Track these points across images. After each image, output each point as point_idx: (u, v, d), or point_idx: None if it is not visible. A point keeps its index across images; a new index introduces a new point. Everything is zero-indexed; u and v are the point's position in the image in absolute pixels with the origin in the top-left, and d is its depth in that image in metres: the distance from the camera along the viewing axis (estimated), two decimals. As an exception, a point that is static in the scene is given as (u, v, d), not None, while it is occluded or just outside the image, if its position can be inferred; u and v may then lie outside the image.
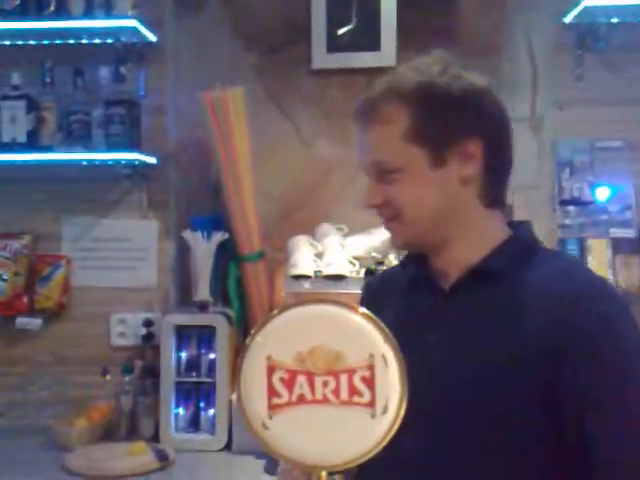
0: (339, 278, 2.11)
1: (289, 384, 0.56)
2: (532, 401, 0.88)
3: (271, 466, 1.96)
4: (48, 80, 2.26)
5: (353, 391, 0.55)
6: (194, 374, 2.18)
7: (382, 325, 0.57)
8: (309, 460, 0.56)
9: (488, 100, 1.00)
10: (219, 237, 2.26)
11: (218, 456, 2.08)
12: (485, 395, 0.86)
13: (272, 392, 0.56)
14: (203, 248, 2.25)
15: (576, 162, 2.19)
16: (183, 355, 2.19)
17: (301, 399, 0.56)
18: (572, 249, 2.15)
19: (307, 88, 2.42)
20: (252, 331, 0.59)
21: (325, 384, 0.56)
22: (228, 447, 2.11)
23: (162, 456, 2.00)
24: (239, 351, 0.59)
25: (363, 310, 0.57)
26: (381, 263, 2.12)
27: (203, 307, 2.23)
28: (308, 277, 2.13)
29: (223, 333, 2.14)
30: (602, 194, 2.18)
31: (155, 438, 2.15)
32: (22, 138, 2.22)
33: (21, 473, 1.94)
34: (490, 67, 2.32)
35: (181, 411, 2.18)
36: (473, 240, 1.01)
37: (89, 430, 2.13)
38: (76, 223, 2.38)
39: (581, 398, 0.87)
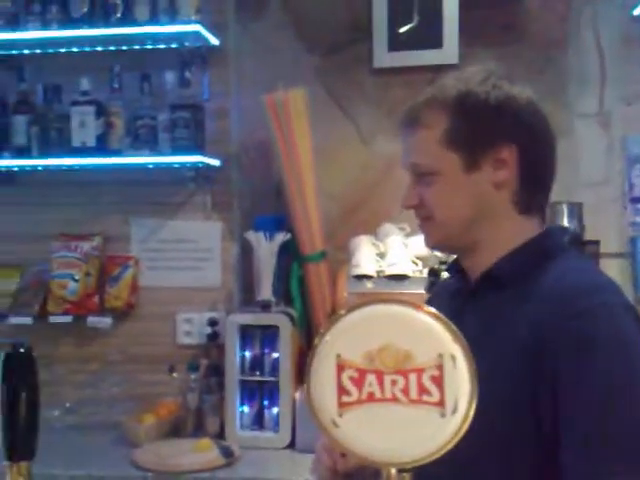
0: (402, 278, 2.11)
1: (358, 382, 0.57)
2: (522, 405, 0.90)
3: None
4: (116, 85, 2.33)
5: (422, 390, 0.56)
6: (258, 373, 2.21)
7: (451, 325, 0.57)
8: (379, 457, 0.57)
9: (526, 110, 1.03)
10: (281, 237, 2.28)
11: (282, 454, 2.11)
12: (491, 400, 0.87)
13: (342, 390, 0.57)
14: (265, 248, 2.28)
15: (647, 159, 2.13)
16: (247, 354, 2.23)
17: (370, 397, 0.57)
18: (643, 248, 2.09)
19: (368, 87, 2.42)
20: (321, 331, 0.60)
21: (394, 383, 0.56)
22: (292, 445, 2.13)
23: (227, 453, 2.04)
24: (308, 351, 0.60)
25: (431, 309, 0.57)
26: (444, 263, 2.11)
27: (266, 307, 2.26)
28: (370, 277, 2.14)
29: (286, 333, 2.17)
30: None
31: (220, 435, 2.19)
32: (91, 142, 2.30)
33: (93, 468, 2.01)
34: (557, 62, 2.29)
35: (245, 409, 2.22)
36: (499, 245, 1.03)
37: (157, 426, 2.19)
38: (143, 225, 2.45)
39: (558, 389, 0.89)
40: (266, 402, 2.21)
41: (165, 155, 2.27)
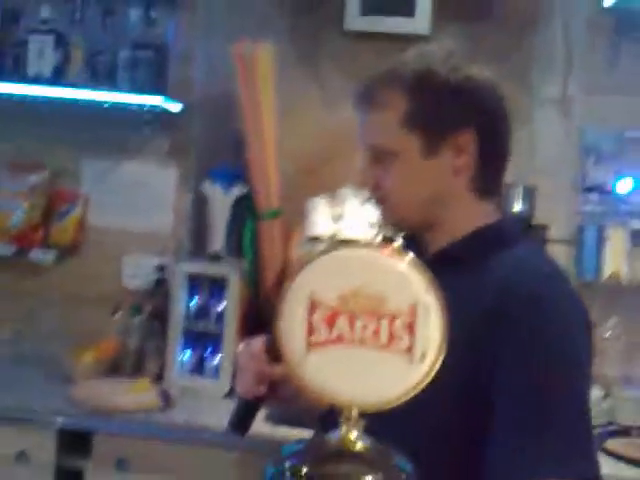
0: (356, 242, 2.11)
1: (329, 323, 0.56)
2: (464, 377, 0.90)
3: (273, 416, 1.98)
4: (77, 17, 2.23)
5: (393, 336, 0.55)
6: (202, 322, 2.20)
7: (427, 274, 0.57)
8: (343, 398, 0.56)
9: (485, 93, 1.01)
10: (237, 190, 2.25)
11: (220, 402, 2.10)
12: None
13: (311, 330, 0.56)
14: (220, 200, 2.25)
15: (603, 150, 2.16)
16: (193, 302, 2.21)
17: (340, 339, 0.56)
18: (590, 236, 2.14)
19: (337, 50, 2.39)
20: (296, 268, 0.59)
21: (365, 326, 0.56)
22: (231, 394, 2.13)
23: (165, 396, 2.03)
24: (279, 290, 0.59)
25: (410, 257, 0.57)
26: (400, 230, 2.12)
27: (215, 258, 2.24)
28: (324, 239, 2.13)
29: (234, 285, 2.16)
30: (624, 186, 2.17)
31: (160, 379, 2.17)
32: (48, 73, 2.21)
33: (27, 398, 1.97)
34: (524, 45, 2.29)
35: (187, 356, 2.20)
36: (456, 226, 1.03)
37: (95, 364, 2.16)
38: (96, 163, 2.38)
39: (498, 373, 0.90)
40: (208, 351, 2.20)
41: (123, 93, 2.19)
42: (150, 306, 2.26)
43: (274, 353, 1.00)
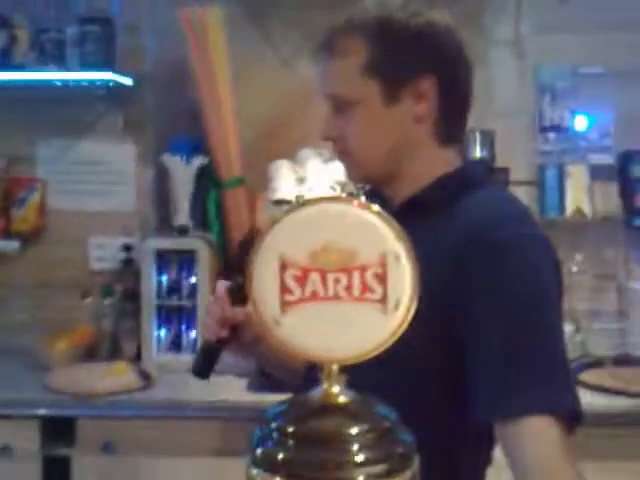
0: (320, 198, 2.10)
1: (301, 281, 0.56)
2: (437, 318, 0.90)
3: (253, 385, 2.00)
4: (18, -5, 2.16)
5: (365, 288, 0.55)
6: (175, 297, 2.19)
7: (395, 224, 0.56)
8: (321, 355, 0.56)
9: (446, 39, 1.01)
10: (199, 161, 2.23)
11: (200, 376, 2.11)
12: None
13: (284, 290, 0.56)
14: (182, 172, 2.22)
15: (558, 88, 2.18)
16: (164, 279, 2.20)
17: (314, 296, 0.56)
18: (551, 175, 2.17)
19: (288, 7, 2.35)
20: (262, 232, 0.59)
21: (337, 281, 0.56)
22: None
23: (144, 375, 2.03)
24: (249, 252, 0.58)
25: (375, 207, 0.57)
26: (362, 188, 2.12)
27: (182, 232, 2.22)
28: (289, 202, 2.12)
29: (203, 257, 2.14)
30: (581, 123, 2.19)
31: (137, 360, 2.17)
32: (-6, 56, 2.14)
33: (5, 391, 1.95)
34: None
35: (162, 333, 2.19)
36: (420, 175, 1.03)
37: (70, 350, 2.14)
38: (51, 145, 2.33)
39: (469, 311, 0.91)
40: (183, 326, 2.20)
41: (73, 71, 2.14)
42: (121, 287, 2.25)
43: (236, 297, 1.02)
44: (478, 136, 2.16)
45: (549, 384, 0.88)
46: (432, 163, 1.03)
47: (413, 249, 0.57)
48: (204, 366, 1.08)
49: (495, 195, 1.03)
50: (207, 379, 1.08)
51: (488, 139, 2.17)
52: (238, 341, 1.07)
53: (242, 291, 1.00)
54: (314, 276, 0.56)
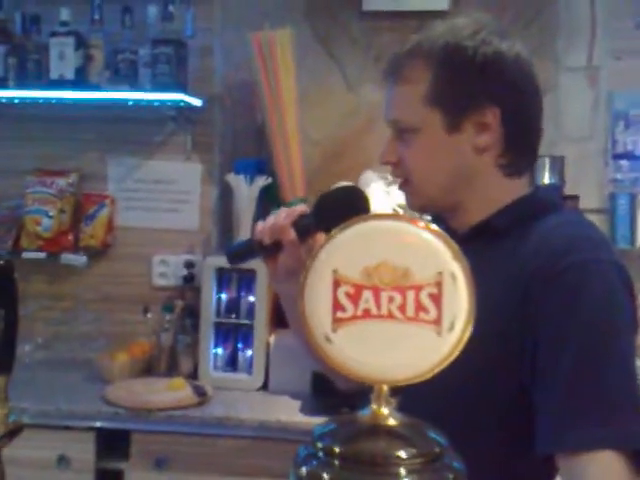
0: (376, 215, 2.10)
1: (354, 298, 0.55)
2: (504, 341, 0.90)
3: (307, 407, 1.99)
4: (97, 17, 2.25)
5: (419, 307, 0.54)
6: (233, 316, 2.21)
7: (452, 242, 0.55)
8: (372, 374, 0.55)
9: (513, 70, 0.99)
10: (262, 181, 2.25)
11: (255, 395, 2.12)
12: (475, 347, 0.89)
13: (337, 306, 0.56)
14: (246, 192, 2.25)
15: (632, 115, 2.12)
16: (223, 297, 2.22)
17: (366, 313, 0.55)
18: (622, 204, 2.10)
19: (356, 31, 2.37)
20: (316, 248, 0.58)
21: (391, 299, 0.55)
22: (265, 387, 2.15)
23: (200, 392, 2.04)
24: (303, 268, 0.58)
25: (433, 226, 0.56)
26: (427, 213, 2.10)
27: (244, 251, 2.24)
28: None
29: (262, 277, 2.16)
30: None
31: (194, 376, 2.19)
32: (70, 75, 2.23)
33: (62, 402, 2.00)
34: (546, 13, 2.25)
35: (220, 351, 2.22)
36: (487, 203, 1.01)
37: (130, 364, 2.19)
38: (121, 163, 2.40)
39: (540, 336, 0.90)
40: (240, 345, 2.21)
41: (145, 91, 2.21)
42: (181, 303, 2.28)
43: (299, 230, 1.00)
44: (547, 162, 2.12)
45: (616, 418, 0.84)
46: (499, 192, 1.02)
47: (471, 269, 0.55)
48: (238, 254, 1.09)
49: (571, 219, 1.01)
50: (233, 265, 1.09)
51: (558, 165, 2.12)
52: (274, 259, 1.04)
53: (307, 230, 1.00)
54: (367, 294, 0.55)
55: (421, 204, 1.06)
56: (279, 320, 2.13)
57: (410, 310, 0.55)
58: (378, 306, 0.55)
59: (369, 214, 0.59)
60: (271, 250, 1.03)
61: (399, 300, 0.55)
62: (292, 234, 1.00)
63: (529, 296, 0.91)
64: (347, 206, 0.99)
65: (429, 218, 1.14)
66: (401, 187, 1.06)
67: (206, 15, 2.30)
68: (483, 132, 0.99)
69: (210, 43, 2.32)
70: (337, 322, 0.56)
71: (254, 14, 2.33)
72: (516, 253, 0.95)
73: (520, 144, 1.02)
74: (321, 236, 1.03)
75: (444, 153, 1.00)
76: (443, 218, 1.07)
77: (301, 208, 1.04)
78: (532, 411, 0.89)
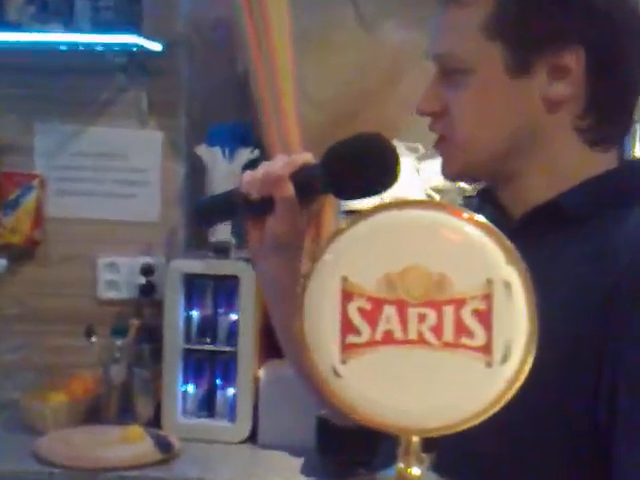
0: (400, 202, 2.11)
1: (372, 317, 0.56)
2: (574, 372, 0.92)
3: (310, 466, 2.00)
4: None
5: (461, 329, 0.55)
6: (209, 340, 2.22)
7: (505, 240, 0.56)
8: (395, 420, 0.56)
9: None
10: (246, 155, 2.26)
11: (239, 449, 2.12)
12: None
13: (348, 327, 0.56)
14: (224, 169, 2.26)
15: None
16: (194, 315, 2.23)
17: (388, 338, 0.55)
18: None
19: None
20: (319, 248, 0.59)
21: (422, 318, 0.55)
22: (253, 439, 2.15)
23: (164, 445, 2.05)
24: (302, 277, 0.59)
25: (479, 218, 0.56)
26: (471, 197, 2.11)
27: (222, 250, 2.25)
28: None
29: (249, 286, 2.16)
30: None
31: (156, 423, 2.21)
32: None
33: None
34: None
35: (190, 389, 2.23)
36: (555, 175, 1.02)
37: (68, 407, 2.19)
38: (53, 131, 2.41)
39: (619, 369, 0.90)
40: (219, 380, 2.22)
41: (84, 33, 2.22)
42: (137, 323, 2.29)
43: (299, 185, 0.99)
44: (639, 130, 2.12)
45: None
46: (574, 164, 1.03)
47: (532, 276, 0.56)
48: (211, 209, 1.10)
49: None
50: (204, 227, 1.09)
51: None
52: (261, 223, 1.02)
53: (311, 187, 1.00)
54: (389, 310, 0.56)
55: (462, 170, 1.07)
56: (272, 347, 2.14)
57: (448, 333, 0.55)
58: (404, 328, 0.55)
59: (393, 201, 0.59)
60: (258, 209, 1.02)
61: (433, 319, 0.55)
62: (290, 189, 0.99)
63: (612, 310, 0.91)
64: (369, 162, 0.99)
65: (474, 190, 1.15)
66: (438, 145, 1.07)
67: None
68: (559, 79, 0.99)
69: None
70: (348, 350, 0.56)
71: None
72: (595, 249, 0.96)
73: (610, 103, 1.02)
74: (330, 201, 1.04)
75: (503, 103, 1.01)
76: (492, 191, 1.08)
77: (305, 156, 1.04)
78: (609, 464, 0.90)
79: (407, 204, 0.58)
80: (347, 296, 0.56)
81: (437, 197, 2.17)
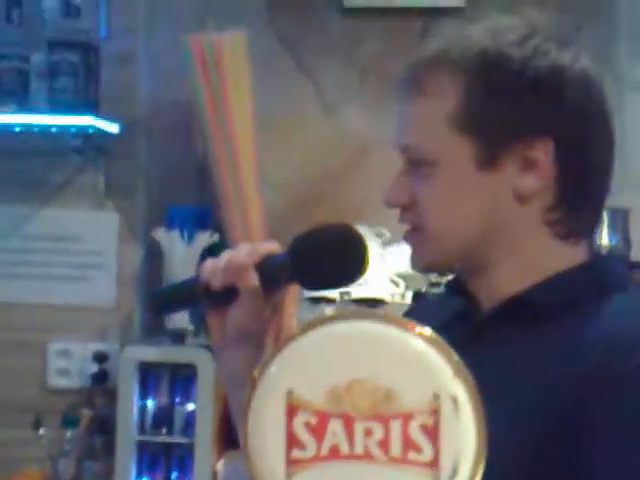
0: (375, 303, 2.12)
1: (318, 432, 0.56)
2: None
3: None
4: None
5: (409, 445, 0.56)
6: (165, 432, 2.20)
7: (453, 353, 0.57)
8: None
9: (578, 89, 1.00)
10: (205, 238, 2.27)
11: None
12: (516, 444, 0.89)
13: (293, 442, 0.57)
14: (182, 253, 2.26)
15: None
16: (149, 404, 2.22)
17: (334, 453, 0.56)
18: None
19: (336, 35, 2.43)
20: (264, 359, 0.60)
21: (369, 433, 0.56)
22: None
23: None
24: (247, 387, 0.59)
25: (425, 330, 0.57)
26: (436, 285, 2.12)
27: (179, 337, 2.24)
28: (332, 300, 2.14)
29: (207, 374, 2.15)
30: None
31: (106, 521, 2.17)
32: None
33: None
34: (602, 14, 2.32)
35: (144, 484, 2.20)
36: (527, 268, 1.02)
37: (13, 506, 2.16)
38: (4, 214, 2.40)
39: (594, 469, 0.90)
40: (175, 473, 2.20)
41: (40, 113, 2.24)
42: (89, 414, 2.26)
43: (265, 275, 0.97)
44: (607, 216, 2.13)
45: None
46: (544, 257, 1.02)
47: (479, 389, 0.56)
48: (170, 297, 1.08)
49: None
50: (160, 314, 1.07)
51: (621, 220, 2.15)
52: (222, 312, 1.00)
53: (276, 277, 0.98)
54: (335, 424, 0.56)
55: (432, 262, 1.06)
56: (230, 438, 2.12)
57: (396, 448, 0.56)
58: (351, 442, 0.56)
59: (340, 313, 0.60)
60: (220, 298, 1.00)
61: (380, 434, 0.56)
62: (254, 279, 0.98)
63: (585, 403, 0.91)
64: (337, 255, 0.99)
65: (441, 277, 1.16)
66: (408, 236, 1.06)
67: (126, 9, 2.36)
68: (528, 172, 0.99)
69: (132, 48, 2.37)
70: (293, 465, 0.57)
71: (194, 10, 2.38)
72: (567, 345, 0.95)
73: (579, 194, 1.02)
74: (294, 291, 1.03)
75: (472, 197, 1.01)
76: (461, 281, 1.08)
77: (270, 246, 1.03)
78: None
79: (355, 316, 0.59)
80: (292, 410, 0.57)
81: (402, 283, 2.18)
